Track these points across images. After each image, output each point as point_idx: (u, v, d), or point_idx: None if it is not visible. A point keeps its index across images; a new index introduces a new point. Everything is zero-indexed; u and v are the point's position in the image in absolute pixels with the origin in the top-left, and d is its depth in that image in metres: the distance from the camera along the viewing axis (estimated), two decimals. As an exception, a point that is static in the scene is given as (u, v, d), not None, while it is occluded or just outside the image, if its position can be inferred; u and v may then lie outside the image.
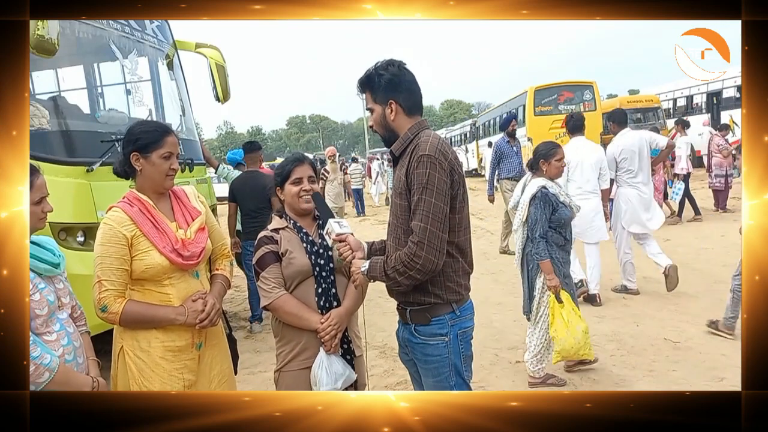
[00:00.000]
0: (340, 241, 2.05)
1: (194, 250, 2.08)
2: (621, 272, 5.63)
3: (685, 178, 9.39)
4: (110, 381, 2.09)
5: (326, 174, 9.60)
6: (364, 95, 2.02)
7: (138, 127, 2.09)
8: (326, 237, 2.11)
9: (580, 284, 5.33)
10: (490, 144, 19.97)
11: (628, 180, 5.48)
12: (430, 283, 1.89)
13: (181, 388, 2.03)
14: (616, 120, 5.70)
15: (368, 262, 1.95)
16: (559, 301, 3.42)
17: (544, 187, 3.53)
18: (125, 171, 2.10)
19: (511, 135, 7.97)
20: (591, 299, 5.28)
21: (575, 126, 5.52)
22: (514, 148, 7.92)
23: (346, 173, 9.88)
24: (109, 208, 2.03)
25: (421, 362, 2.00)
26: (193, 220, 2.15)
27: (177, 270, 2.04)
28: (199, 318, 2.02)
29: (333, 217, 2.13)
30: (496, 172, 7.99)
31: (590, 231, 5.32)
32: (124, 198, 2.06)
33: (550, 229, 3.49)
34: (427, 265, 1.79)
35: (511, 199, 6.08)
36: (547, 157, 3.61)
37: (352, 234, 2.07)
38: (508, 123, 8.02)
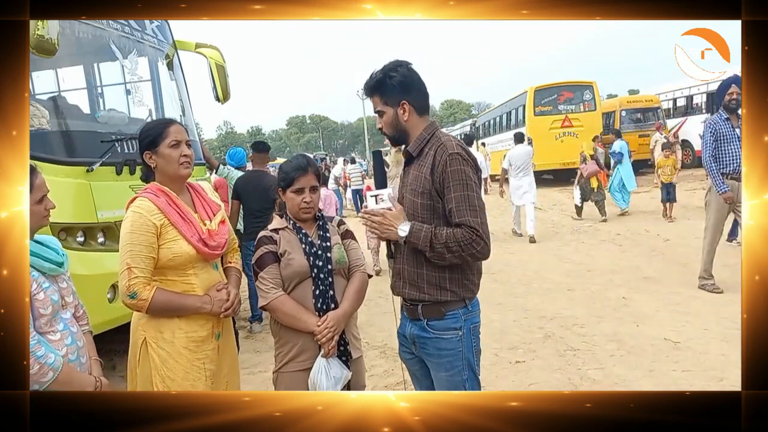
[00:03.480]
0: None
1: (219, 241, 2.16)
2: (514, 224, 9.76)
3: None
4: (128, 373, 2.12)
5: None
6: (371, 99, 2.02)
7: (143, 129, 2.16)
8: (370, 198, 2.02)
9: None
10: (483, 144, 19.84)
11: (514, 174, 9.30)
12: (449, 281, 1.93)
13: (203, 378, 2.07)
14: (515, 138, 9.76)
15: (409, 225, 1.91)
16: None
17: None
18: (147, 174, 2.16)
19: (731, 110, 5.02)
20: None
21: (467, 141, 9.72)
22: (737, 130, 4.96)
23: None
24: (133, 199, 2.07)
25: (434, 357, 1.99)
26: (214, 213, 2.22)
27: (201, 260, 2.10)
28: (224, 307, 2.10)
29: (386, 186, 2.08)
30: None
31: None
32: (147, 189, 2.09)
33: None
34: (485, 253, 1.86)
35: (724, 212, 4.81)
36: None
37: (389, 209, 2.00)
38: (726, 91, 5.03)
